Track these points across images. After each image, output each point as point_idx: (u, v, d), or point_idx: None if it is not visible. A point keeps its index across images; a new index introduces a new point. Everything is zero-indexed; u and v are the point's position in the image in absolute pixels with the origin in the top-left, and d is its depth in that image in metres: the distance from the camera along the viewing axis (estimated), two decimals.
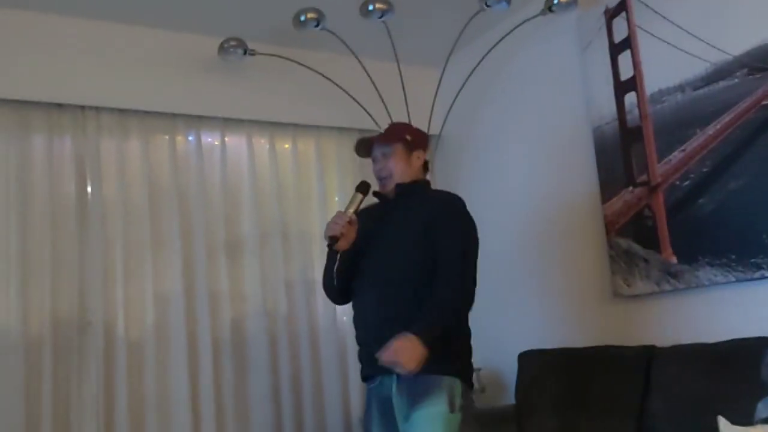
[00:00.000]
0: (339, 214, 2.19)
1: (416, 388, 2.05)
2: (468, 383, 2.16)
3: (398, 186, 2.28)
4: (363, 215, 2.25)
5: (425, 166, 2.37)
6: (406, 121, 3.59)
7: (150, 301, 3.24)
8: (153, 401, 3.15)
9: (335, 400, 3.55)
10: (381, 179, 2.31)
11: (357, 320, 2.28)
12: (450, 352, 2.08)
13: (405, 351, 1.96)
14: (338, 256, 2.26)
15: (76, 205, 3.19)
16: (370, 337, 2.17)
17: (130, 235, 3.26)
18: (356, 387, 3.62)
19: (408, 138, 2.31)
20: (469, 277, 2.15)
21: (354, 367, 3.63)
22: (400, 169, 2.27)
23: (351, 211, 2.20)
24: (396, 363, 1.97)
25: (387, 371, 2.06)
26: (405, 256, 2.16)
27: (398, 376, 2.06)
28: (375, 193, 2.35)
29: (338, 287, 2.34)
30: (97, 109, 3.30)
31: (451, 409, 2.04)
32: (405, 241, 2.18)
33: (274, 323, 3.49)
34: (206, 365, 3.27)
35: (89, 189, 3.24)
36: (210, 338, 3.31)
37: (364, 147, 2.37)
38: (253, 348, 3.41)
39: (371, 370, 2.18)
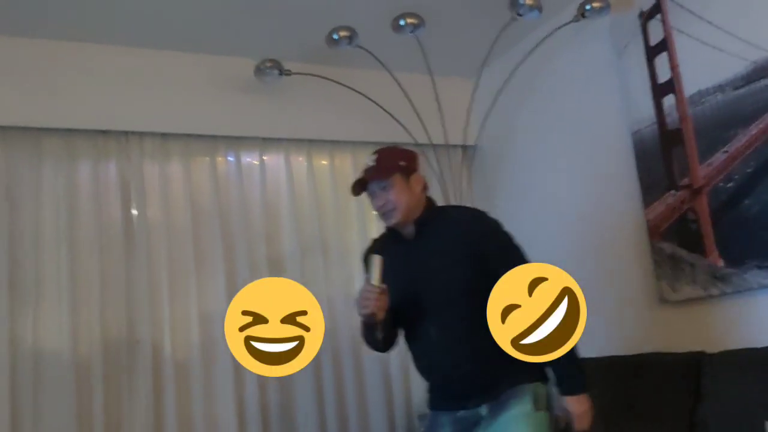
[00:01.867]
0: (368, 290, 2.02)
1: (501, 401, 2.04)
2: (546, 379, 2.13)
3: (417, 223, 2.14)
4: (386, 259, 2.07)
5: (424, 186, 2.21)
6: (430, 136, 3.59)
7: (195, 319, 3.30)
8: (200, 419, 3.20)
9: (380, 416, 3.54)
10: (384, 213, 2.14)
11: (423, 366, 2.17)
12: (528, 363, 1.98)
13: (582, 417, 2.03)
14: (379, 325, 2.08)
15: (122, 228, 3.27)
16: (449, 377, 2.10)
17: (174, 255, 3.33)
18: (400, 401, 3.62)
19: (402, 164, 2.15)
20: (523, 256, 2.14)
21: (397, 381, 3.63)
22: (404, 200, 2.11)
23: (376, 279, 2.00)
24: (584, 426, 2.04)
25: (477, 403, 2.06)
26: (457, 289, 2.07)
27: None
28: (389, 233, 2.21)
29: (384, 347, 2.23)
30: (140, 135, 3.39)
31: (537, 408, 2.01)
32: (450, 274, 2.07)
33: None
34: (251, 383, 3.31)
35: (134, 212, 3.32)
36: None
37: (359, 186, 2.18)
38: None
39: (454, 404, 2.11)
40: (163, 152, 3.44)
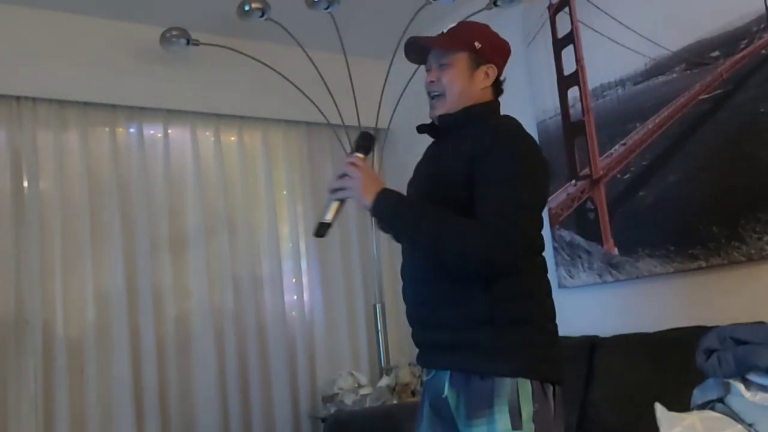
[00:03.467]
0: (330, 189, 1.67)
1: (470, 393, 1.58)
2: (545, 377, 1.59)
3: (441, 119, 1.72)
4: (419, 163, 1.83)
5: (496, 87, 1.75)
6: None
7: (90, 298, 3.15)
8: (94, 401, 3.06)
9: (284, 398, 3.51)
10: (431, 97, 1.74)
11: (403, 294, 1.78)
12: (509, 343, 1.56)
13: (362, 178, 1.60)
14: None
15: (12, 200, 3.08)
16: (412, 319, 1.74)
17: (68, 230, 3.17)
18: (305, 384, 3.61)
19: (477, 46, 1.70)
20: (516, 204, 1.54)
21: (302, 364, 3.62)
22: (457, 87, 1.69)
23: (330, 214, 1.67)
24: (342, 189, 1.63)
25: (440, 365, 1.64)
26: None
27: (451, 373, 1.61)
28: (420, 128, 1.79)
29: None
30: (34, 100, 3.19)
31: (515, 425, 1.51)
32: (435, 195, 1.64)
33: (220, 319, 3.43)
34: (150, 363, 3.20)
35: (25, 183, 3.13)
36: (154, 336, 3.24)
37: (417, 49, 1.76)
38: (199, 345, 3.35)
39: (421, 359, 1.74)
40: (58, 120, 3.25)
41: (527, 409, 1.54)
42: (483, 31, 1.77)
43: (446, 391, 1.61)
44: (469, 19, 3.27)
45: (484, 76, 1.72)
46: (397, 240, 1.66)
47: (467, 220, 1.55)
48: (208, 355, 3.35)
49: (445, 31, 1.75)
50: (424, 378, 1.74)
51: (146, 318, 3.24)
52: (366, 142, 1.73)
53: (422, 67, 1.80)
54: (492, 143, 1.60)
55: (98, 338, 3.13)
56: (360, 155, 1.69)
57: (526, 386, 1.55)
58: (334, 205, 1.66)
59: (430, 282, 1.64)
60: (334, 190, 1.65)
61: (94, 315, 3.15)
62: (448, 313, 1.60)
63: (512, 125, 1.68)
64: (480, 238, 1.51)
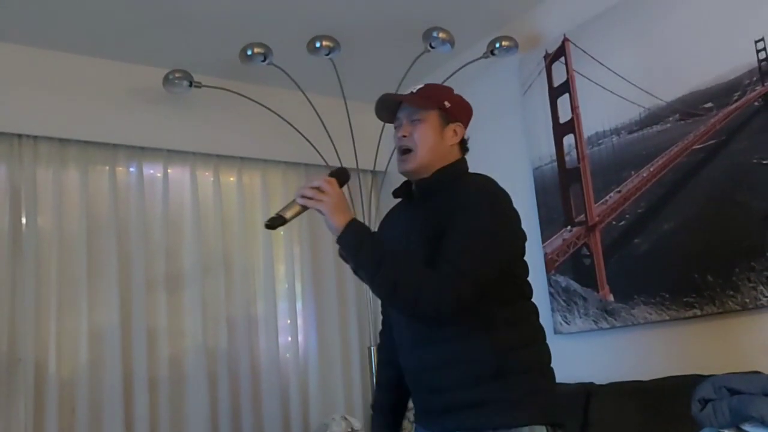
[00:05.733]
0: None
1: None
2: (555, 421, 1.64)
3: (419, 184, 1.77)
4: (384, 222, 1.92)
5: (463, 146, 1.83)
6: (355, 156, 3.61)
7: (84, 336, 3.14)
8: None
9: None
10: (400, 152, 1.78)
11: (402, 360, 1.80)
12: (519, 395, 1.61)
13: (336, 199, 1.62)
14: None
15: (10, 236, 3.08)
16: (416, 384, 1.75)
17: (65, 268, 3.17)
18: (298, 428, 3.56)
19: (446, 105, 1.79)
20: (475, 262, 1.56)
21: (296, 407, 3.58)
22: (428, 143, 1.74)
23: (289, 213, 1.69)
24: (313, 199, 1.63)
25: (449, 427, 1.65)
26: None
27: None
28: (396, 193, 1.86)
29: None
30: (35, 138, 3.22)
31: None
32: (424, 250, 1.65)
33: (214, 361, 3.41)
34: (142, 404, 3.17)
35: (24, 220, 3.14)
36: (146, 376, 3.21)
37: (388, 107, 1.82)
38: (192, 386, 3.32)
39: (429, 425, 1.73)
40: (59, 158, 3.28)
41: None
42: (450, 92, 1.87)
43: None
44: (465, 67, 3.36)
45: (453, 134, 1.79)
46: (355, 271, 1.65)
47: (424, 269, 1.58)
48: (200, 396, 3.31)
49: (414, 90, 1.80)
50: (422, 430, 1.75)
51: (139, 358, 3.22)
52: (341, 175, 1.74)
53: None
54: (465, 199, 1.66)
55: (90, 377, 3.10)
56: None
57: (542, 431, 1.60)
58: (297, 208, 1.67)
59: (432, 345, 1.67)
60: (304, 197, 1.65)
61: (87, 354, 3.12)
62: (454, 374, 1.63)
63: (484, 182, 1.73)
64: (433, 287, 1.54)
